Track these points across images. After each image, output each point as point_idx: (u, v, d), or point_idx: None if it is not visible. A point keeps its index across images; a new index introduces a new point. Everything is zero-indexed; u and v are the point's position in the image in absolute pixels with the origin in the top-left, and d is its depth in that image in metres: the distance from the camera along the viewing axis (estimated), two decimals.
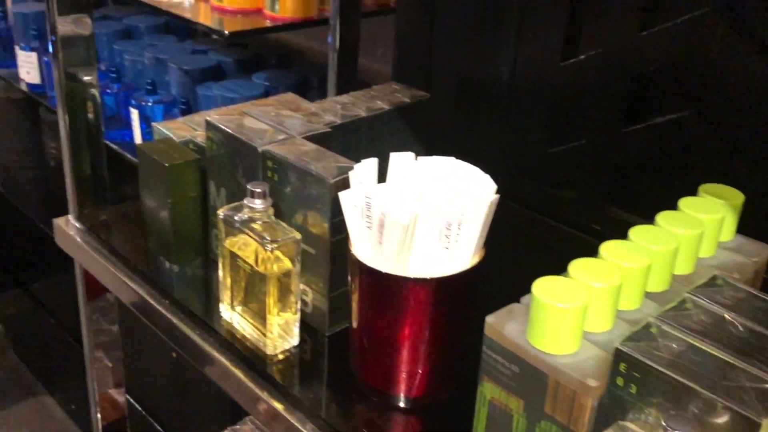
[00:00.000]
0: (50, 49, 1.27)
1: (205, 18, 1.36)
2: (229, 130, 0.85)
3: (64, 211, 1.22)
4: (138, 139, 1.58)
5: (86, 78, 1.00)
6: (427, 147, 1.12)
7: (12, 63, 2.04)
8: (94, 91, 1.00)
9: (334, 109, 1.01)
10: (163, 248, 0.92)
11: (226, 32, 1.23)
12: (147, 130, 1.57)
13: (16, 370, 2.50)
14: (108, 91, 1.61)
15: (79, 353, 2.10)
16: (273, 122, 0.89)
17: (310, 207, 0.79)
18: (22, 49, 1.88)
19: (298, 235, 0.77)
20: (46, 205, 2.19)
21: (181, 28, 1.88)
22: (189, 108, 1.49)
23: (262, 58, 1.66)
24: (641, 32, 0.93)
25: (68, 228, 1.00)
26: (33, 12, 1.92)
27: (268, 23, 1.32)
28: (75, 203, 1.00)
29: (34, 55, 1.87)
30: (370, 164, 0.74)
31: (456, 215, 0.67)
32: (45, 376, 2.42)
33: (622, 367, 0.56)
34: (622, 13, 0.95)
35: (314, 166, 0.78)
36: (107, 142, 1.65)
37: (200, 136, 0.94)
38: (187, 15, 1.36)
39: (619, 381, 0.57)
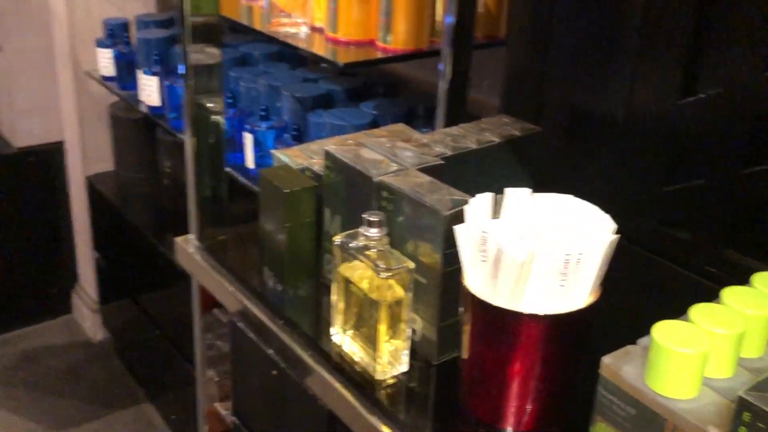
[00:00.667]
0: (179, 72, 1.35)
1: (319, 48, 1.41)
2: (347, 161, 0.88)
3: (175, 227, 1.29)
4: (250, 162, 1.64)
5: (212, 105, 1.06)
6: (536, 181, 1.12)
7: (133, 86, 2.17)
8: (219, 118, 1.06)
9: (444, 140, 1.03)
10: (278, 269, 0.96)
11: (341, 63, 1.27)
12: (259, 153, 1.63)
13: (121, 378, 2.62)
14: (226, 117, 1.69)
15: (181, 364, 2.19)
16: (387, 153, 0.91)
17: (423, 237, 0.81)
18: (144, 73, 2.00)
19: (412, 265, 0.79)
20: (157, 220, 2.30)
21: (293, 56, 1.95)
22: (300, 134, 1.54)
23: (369, 87, 1.70)
24: (764, 72, 0.91)
25: (188, 246, 1.06)
26: (156, 38, 2.04)
27: (379, 54, 1.35)
28: (196, 223, 1.06)
29: (155, 79, 1.98)
30: (486, 199, 0.75)
31: (575, 253, 0.68)
32: (148, 385, 2.53)
33: (746, 416, 0.55)
34: (744, 52, 0.93)
35: (428, 199, 0.80)
36: None
37: (316, 164, 0.98)
38: (303, 45, 1.42)
39: (742, 431, 0.56)
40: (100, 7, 2.44)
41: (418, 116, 1.59)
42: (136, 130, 2.36)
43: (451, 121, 1.24)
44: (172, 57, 2.03)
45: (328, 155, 0.90)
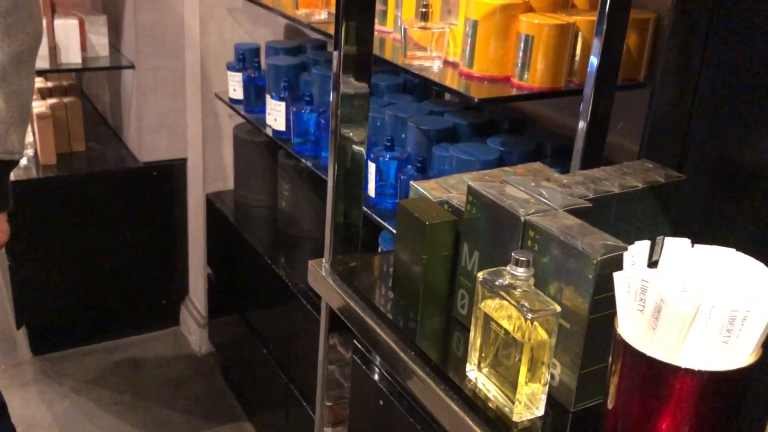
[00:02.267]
0: (305, 99, 1.37)
1: (451, 82, 1.42)
2: (492, 197, 0.87)
3: (290, 249, 1.30)
4: (371, 191, 1.66)
5: (355, 134, 1.08)
6: (678, 229, 1.08)
7: (260, 109, 2.24)
8: (362, 149, 1.07)
9: (585, 182, 1.01)
10: (411, 300, 0.96)
11: (476, 99, 1.27)
12: (380, 183, 1.65)
13: (222, 393, 2.68)
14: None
15: (283, 385, 2.22)
16: (533, 192, 0.90)
17: (570, 281, 0.79)
18: (272, 98, 2.06)
19: (558, 308, 0.77)
20: (273, 241, 2.35)
21: (417, 88, 1.97)
22: (425, 167, 1.54)
23: (495, 123, 1.70)
24: None
25: (322, 270, 1.07)
26: (285, 65, 2.10)
27: (515, 91, 1.35)
28: (330, 248, 1.07)
29: (282, 105, 2.04)
30: (643, 246, 0.73)
31: (742, 310, 0.64)
32: (248, 402, 2.57)
33: None
34: None
35: (580, 242, 0.78)
36: None
37: (455, 198, 0.98)
38: (437, 79, 1.43)
39: None
40: (231, 32, 2.54)
41: (546, 155, 1.57)
42: (257, 153, 2.44)
43: (587, 163, 1.22)
44: (300, 84, 2.09)
45: (472, 191, 0.90)
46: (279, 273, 2.20)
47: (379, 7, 1.72)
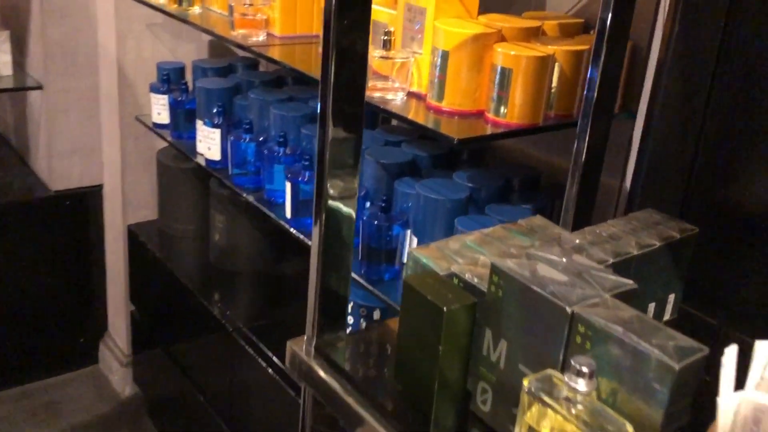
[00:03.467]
0: (244, 126, 1.21)
1: (419, 116, 1.30)
2: (526, 282, 0.74)
3: (226, 286, 1.14)
4: None
5: (343, 189, 0.93)
6: (690, 287, 1.00)
7: (189, 135, 2.06)
8: (351, 210, 0.93)
9: (600, 242, 0.91)
10: (422, 395, 0.82)
11: (456, 139, 1.16)
12: None
13: None
14: (299, 179, 1.57)
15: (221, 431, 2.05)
16: (568, 271, 0.78)
17: (634, 388, 0.67)
18: (205, 124, 1.88)
19: (631, 429, 0.65)
20: (205, 277, 2.17)
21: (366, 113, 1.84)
22: (389, 205, 1.41)
23: (456, 153, 1.59)
24: None
25: (301, 351, 0.93)
26: (218, 88, 1.93)
27: (490, 128, 1.24)
28: (314, 326, 0.92)
29: (217, 133, 1.86)
30: (732, 354, 0.62)
31: None
32: None
33: None
34: None
35: (649, 344, 0.66)
36: (294, 230, 1.61)
37: (466, 270, 0.84)
38: (402, 113, 1.30)
39: None
40: (152, 50, 2.34)
41: (514, 189, 1.47)
42: (185, 180, 2.25)
43: (581, 207, 1.12)
44: (235, 108, 1.93)
45: (498, 271, 0.77)
46: (212, 311, 2.03)
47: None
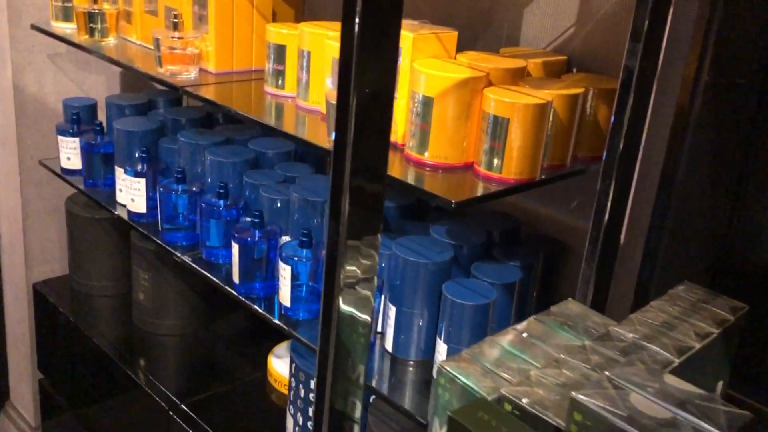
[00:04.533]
0: (177, 175, 1.02)
1: (399, 171, 1.13)
2: (626, 426, 0.58)
3: (151, 351, 0.92)
4: (285, 298, 1.33)
5: (362, 282, 0.75)
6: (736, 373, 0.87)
7: (107, 183, 1.81)
8: (367, 317, 0.75)
9: (656, 335, 0.77)
10: None
11: (453, 203, 0.99)
12: (295, 286, 1.32)
13: None
14: (248, 239, 1.37)
15: None
16: (668, 402, 0.62)
17: None
18: (126, 173, 1.65)
19: None
20: (127, 341, 1.92)
21: (309, 154, 1.66)
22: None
23: (423, 202, 1.43)
24: None
25: None
26: (141, 131, 1.70)
27: (481, 183, 1.08)
28: None
29: (141, 182, 1.63)
30: None
31: None
32: None
33: None
34: None
35: None
36: (241, 297, 1.41)
37: (525, 393, 0.67)
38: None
39: None
40: (55, 84, 2.07)
41: (495, 243, 1.33)
42: (100, 232, 1.99)
43: (602, 274, 0.98)
44: (161, 153, 1.70)
45: (580, 407, 0.61)
46: (137, 379, 1.79)
47: (273, 66, 1.40)
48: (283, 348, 1.74)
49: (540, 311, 1.37)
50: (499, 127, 1.06)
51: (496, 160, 1.08)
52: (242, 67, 1.56)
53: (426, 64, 1.11)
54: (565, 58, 1.27)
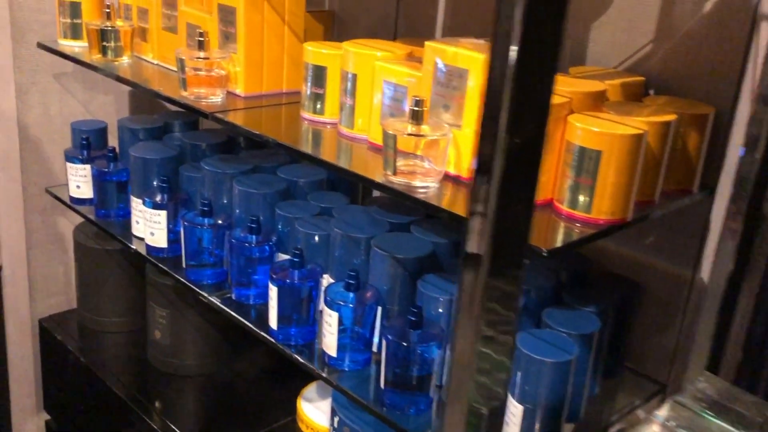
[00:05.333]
0: (203, 207, 0.89)
1: (458, 205, 1.00)
2: None
3: (165, 389, 0.80)
4: (331, 347, 1.19)
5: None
6: None
7: (121, 213, 1.67)
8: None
9: None
10: None
11: (545, 251, 0.86)
12: (341, 330, 1.19)
13: None
14: (288, 280, 1.24)
15: None
16: None
17: None
18: (145, 204, 1.51)
19: None
20: (142, 382, 1.77)
21: (342, 181, 1.53)
22: (420, 320, 1.10)
23: None
24: None
25: None
26: (160, 158, 1.56)
27: (564, 223, 0.95)
28: None
29: (162, 215, 1.49)
30: None
31: None
32: None
33: None
34: None
35: None
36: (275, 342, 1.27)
37: None
38: (434, 203, 1.00)
39: None
40: (61, 105, 1.94)
41: (564, 285, 1.20)
42: (112, 264, 1.85)
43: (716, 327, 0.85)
44: (182, 181, 1.56)
45: None
46: (152, 423, 1.65)
47: (310, 89, 1.27)
48: (313, 390, 1.60)
49: (616, 363, 1.24)
50: (587, 161, 0.93)
51: (582, 198, 0.95)
52: (272, 89, 1.43)
53: None
54: (643, 79, 1.15)
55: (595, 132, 0.92)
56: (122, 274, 1.85)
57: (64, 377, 1.97)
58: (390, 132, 1.01)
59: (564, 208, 0.97)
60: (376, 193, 1.56)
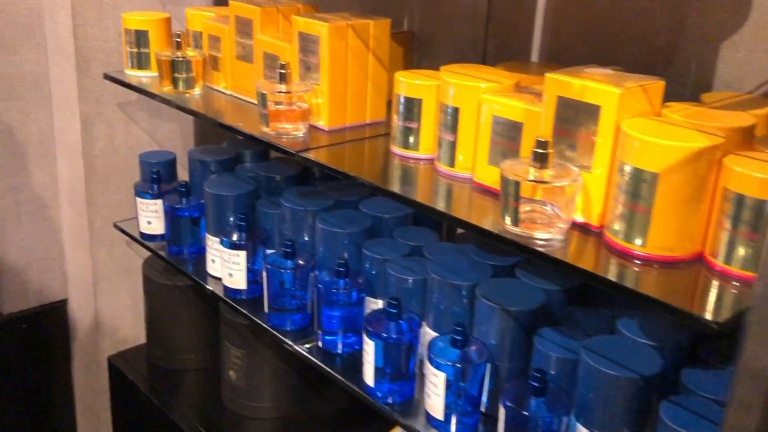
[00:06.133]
0: (287, 249, 0.79)
1: (585, 260, 0.89)
2: None
3: None
4: (438, 410, 1.08)
5: None
6: None
7: (195, 249, 1.60)
8: None
9: None
10: None
11: (716, 324, 0.74)
12: (448, 391, 1.08)
13: None
14: (387, 334, 1.13)
15: None
16: None
17: None
18: (223, 245, 1.42)
19: None
20: (214, 422, 1.69)
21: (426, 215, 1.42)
22: (544, 386, 0.99)
23: (588, 288, 1.18)
24: None
25: None
26: (236, 195, 1.47)
27: (716, 282, 0.84)
28: None
29: (241, 256, 1.41)
30: None
31: None
32: None
33: None
34: None
35: None
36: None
37: None
38: (558, 257, 0.89)
39: None
40: (126, 135, 1.87)
41: (700, 339, 1.07)
42: (184, 300, 1.77)
43: None
44: (259, 218, 1.47)
45: None
46: None
47: (402, 122, 1.17)
48: None
49: None
50: (749, 212, 0.81)
51: (743, 251, 0.83)
52: (356, 120, 1.33)
53: (639, 126, 0.86)
54: None
55: (758, 179, 0.80)
56: (195, 311, 1.78)
57: (134, 416, 1.90)
58: (511, 178, 0.90)
59: (719, 263, 0.84)
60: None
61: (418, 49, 1.54)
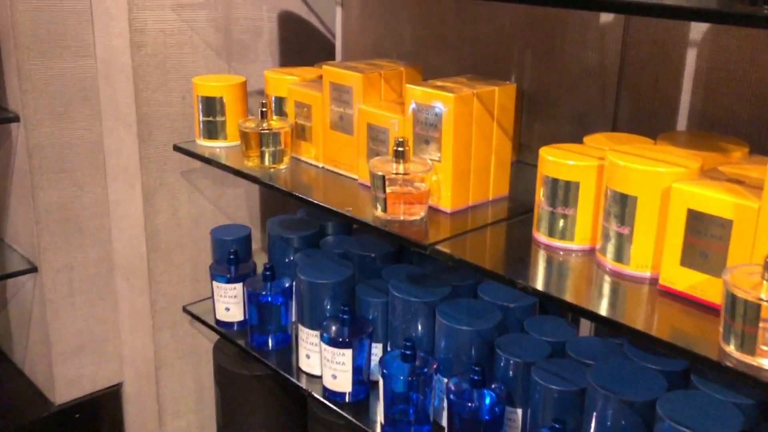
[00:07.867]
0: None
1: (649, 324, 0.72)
2: None
3: None
4: None
5: None
6: None
7: (281, 339, 1.43)
8: None
9: None
10: None
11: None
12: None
13: None
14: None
15: None
16: None
17: None
18: (323, 340, 1.25)
19: None
20: None
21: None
22: None
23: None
24: None
25: None
26: (334, 282, 1.30)
27: None
28: None
29: (347, 355, 1.23)
30: None
31: None
32: None
33: None
34: None
35: None
36: None
37: None
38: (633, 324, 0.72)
39: None
40: (189, 205, 1.70)
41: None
42: (263, 392, 1.60)
43: None
44: (360, 307, 1.30)
45: None
46: None
47: (547, 207, 1.00)
48: None
49: None
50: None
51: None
52: (478, 199, 1.16)
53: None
54: None
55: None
56: (275, 402, 1.60)
57: None
58: (746, 298, 0.73)
59: None
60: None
61: (527, 109, 1.38)
